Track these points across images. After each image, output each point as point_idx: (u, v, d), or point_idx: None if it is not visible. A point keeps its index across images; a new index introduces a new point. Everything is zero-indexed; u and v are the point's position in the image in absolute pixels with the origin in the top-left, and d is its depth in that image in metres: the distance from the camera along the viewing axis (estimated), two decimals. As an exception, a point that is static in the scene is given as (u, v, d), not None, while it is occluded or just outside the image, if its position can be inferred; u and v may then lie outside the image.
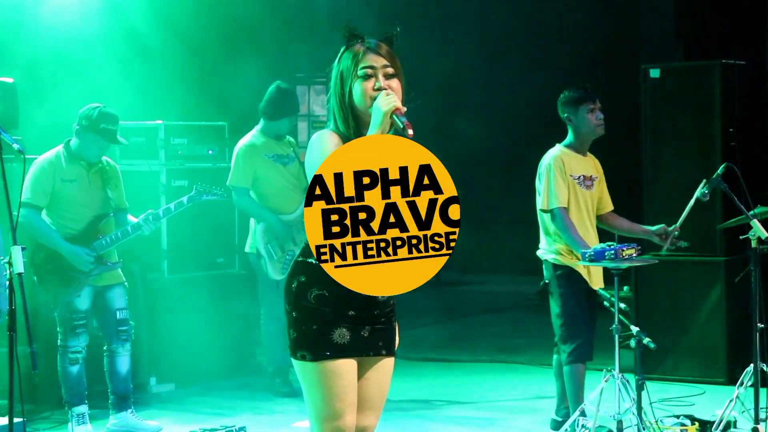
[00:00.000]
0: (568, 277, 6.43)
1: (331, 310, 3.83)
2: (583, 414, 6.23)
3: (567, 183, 6.40)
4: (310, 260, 3.81)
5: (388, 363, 4.03)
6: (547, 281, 6.54)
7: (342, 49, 3.94)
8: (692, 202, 6.29)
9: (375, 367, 3.99)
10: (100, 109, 6.70)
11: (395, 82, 3.89)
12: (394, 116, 3.76)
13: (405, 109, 3.81)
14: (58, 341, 6.75)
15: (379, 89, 3.83)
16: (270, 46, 10.92)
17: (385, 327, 3.99)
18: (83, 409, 6.75)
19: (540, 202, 6.44)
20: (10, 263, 4.31)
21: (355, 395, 3.90)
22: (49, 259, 6.69)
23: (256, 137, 7.92)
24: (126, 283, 6.89)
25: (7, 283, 4.42)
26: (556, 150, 6.51)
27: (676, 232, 6.39)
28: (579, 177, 6.47)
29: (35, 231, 6.66)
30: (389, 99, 3.76)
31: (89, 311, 6.75)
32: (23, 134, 7.16)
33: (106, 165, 6.86)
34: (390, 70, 3.90)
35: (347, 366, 3.86)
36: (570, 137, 6.53)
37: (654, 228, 6.47)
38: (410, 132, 3.73)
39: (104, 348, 6.84)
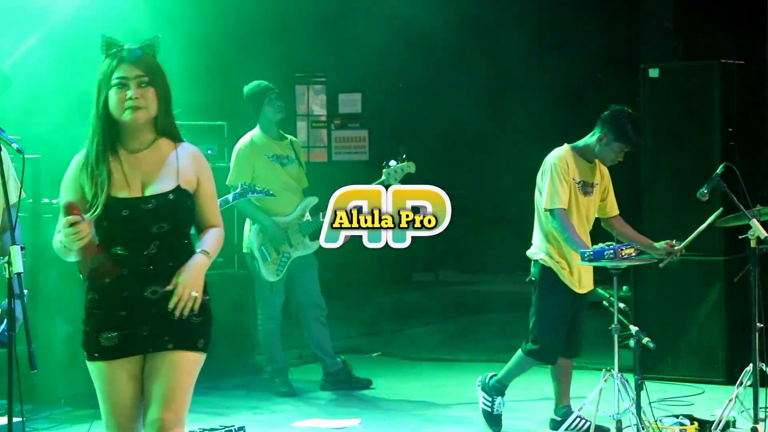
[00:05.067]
0: (552, 282, 6.48)
1: (102, 312, 4.02)
2: (571, 412, 6.34)
3: (568, 185, 6.42)
4: (92, 267, 4.05)
5: (179, 356, 4.06)
6: (533, 278, 6.59)
7: (102, 60, 4.08)
8: (704, 227, 6.35)
9: (163, 361, 4.05)
10: None
11: (150, 92, 4.02)
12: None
13: (96, 251, 4.02)
14: None
15: (131, 98, 3.98)
16: (269, 46, 10.92)
17: (172, 322, 4.03)
18: None
19: (542, 201, 6.45)
20: (9, 263, 4.31)
21: (127, 399, 4.06)
22: None
23: (257, 136, 7.92)
24: None
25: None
26: (562, 150, 6.52)
27: (679, 255, 6.46)
28: (579, 182, 6.48)
29: None
30: (77, 238, 3.91)
31: None
32: (23, 134, 7.15)
33: None
34: (145, 80, 4.02)
35: (116, 368, 4.03)
36: (585, 143, 6.53)
37: (658, 244, 6.50)
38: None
39: None
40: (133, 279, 4.00)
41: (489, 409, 6.75)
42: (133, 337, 3.99)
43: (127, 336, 3.99)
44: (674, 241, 6.48)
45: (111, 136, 4.03)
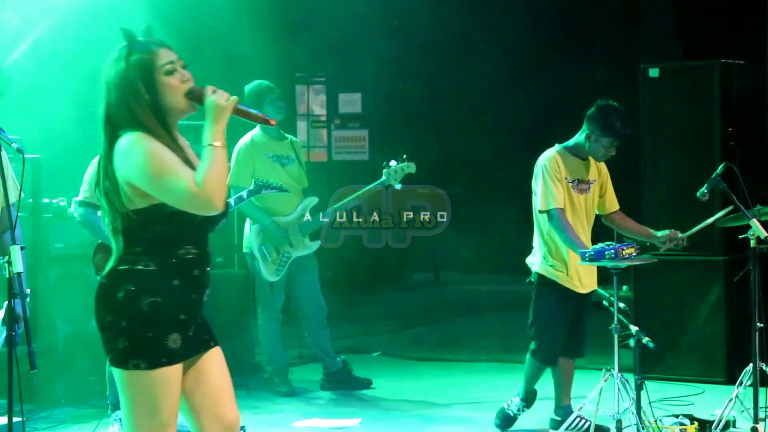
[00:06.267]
0: (550, 284, 6.48)
1: (165, 317, 3.75)
2: (570, 412, 6.42)
3: (562, 185, 6.41)
4: (138, 267, 3.75)
5: (218, 351, 3.95)
6: (532, 280, 6.60)
7: (124, 53, 3.82)
8: (711, 220, 6.35)
9: (211, 360, 3.90)
10: None
11: (189, 72, 3.86)
12: (249, 109, 3.83)
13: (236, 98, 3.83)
14: None
15: (188, 80, 3.81)
16: (269, 46, 10.91)
17: (203, 321, 3.92)
18: None
19: (537, 203, 6.46)
20: (9, 262, 4.32)
21: (178, 405, 3.83)
22: (107, 259, 6.66)
23: (258, 136, 7.92)
24: None
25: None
26: (552, 151, 6.51)
27: (683, 243, 6.45)
28: (573, 181, 6.47)
29: (92, 228, 6.65)
30: (225, 94, 3.77)
31: None
32: (23, 134, 7.16)
33: None
34: (183, 62, 3.85)
35: (178, 374, 3.79)
36: (575, 142, 6.52)
37: (660, 234, 6.49)
38: (272, 121, 3.90)
39: None
40: (201, 281, 3.85)
41: (506, 407, 6.79)
42: (188, 339, 3.80)
43: (186, 338, 3.79)
44: (677, 232, 6.48)
45: (167, 126, 3.80)
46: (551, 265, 6.48)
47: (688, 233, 6.43)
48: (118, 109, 3.78)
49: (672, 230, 6.46)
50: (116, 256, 3.82)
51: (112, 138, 3.79)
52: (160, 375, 3.73)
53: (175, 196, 3.69)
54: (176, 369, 3.77)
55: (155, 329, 3.73)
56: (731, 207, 6.39)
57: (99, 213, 6.62)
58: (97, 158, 6.71)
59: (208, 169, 3.68)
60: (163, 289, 3.74)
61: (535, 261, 6.58)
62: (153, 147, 3.71)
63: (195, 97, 3.80)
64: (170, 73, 3.79)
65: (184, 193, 3.67)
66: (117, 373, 3.77)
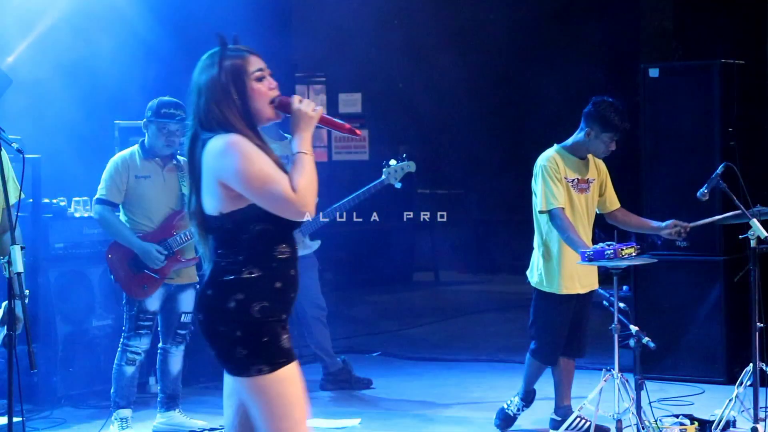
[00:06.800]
0: (547, 294, 6.49)
1: (273, 319, 3.80)
2: (570, 412, 6.42)
3: (562, 184, 6.41)
4: (244, 276, 3.78)
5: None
6: (529, 282, 6.60)
7: (216, 58, 3.86)
8: (718, 218, 6.35)
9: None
10: (161, 99, 6.70)
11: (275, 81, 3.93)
12: (334, 119, 3.95)
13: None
14: (121, 338, 6.67)
15: (275, 88, 3.91)
16: (269, 46, 10.92)
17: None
18: (128, 413, 6.65)
19: (537, 204, 6.45)
20: (9, 262, 4.32)
21: (305, 401, 3.88)
22: (120, 259, 6.67)
23: (256, 136, 7.92)
24: (198, 285, 6.83)
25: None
26: (551, 151, 6.51)
27: (686, 232, 6.44)
28: (573, 180, 6.47)
29: (108, 227, 6.66)
30: (311, 104, 3.88)
31: (157, 313, 6.68)
32: (23, 134, 7.17)
33: (182, 162, 6.86)
34: (270, 71, 3.93)
35: (298, 368, 3.84)
36: (574, 141, 6.52)
37: (663, 224, 6.49)
38: (358, 132, 4.01)
39: (159, 346, 6.80)
40: (296, 279, 3.89)
41: (505, 407, 6.79)
42: (291, 339, 3.88)
43: (290, 338, 3.86)
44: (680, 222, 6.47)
45: (255, 130, 3.90)
46: (546, 271, 6.47)
47: (693, 224, 6.43)
48: (209, 112, 3.83)
49: (673, 221, 6.46)
50: (214, 266, 3.84)
51: (202, 140, 3.82)
52: (284, 374, 3.78)
53: (272, 201, 3.76)
54: (294, 365, 3.82)
55: (269, 333, 3.78)
56: (738, 212, 6.35)
57: (116, 212, 6.68)
58: (115, 156, 6.79)
59: (303, 175, 3.82)
60: (269, 293, 3.79)
61: (531, 274, 6.59)
62: (249, 149, 3.79)
63: (281, 105, 3.90)
64: (260, 80, 3.87)
65: (281, 198, 3.75)
66: (241, 381, 3.80)
